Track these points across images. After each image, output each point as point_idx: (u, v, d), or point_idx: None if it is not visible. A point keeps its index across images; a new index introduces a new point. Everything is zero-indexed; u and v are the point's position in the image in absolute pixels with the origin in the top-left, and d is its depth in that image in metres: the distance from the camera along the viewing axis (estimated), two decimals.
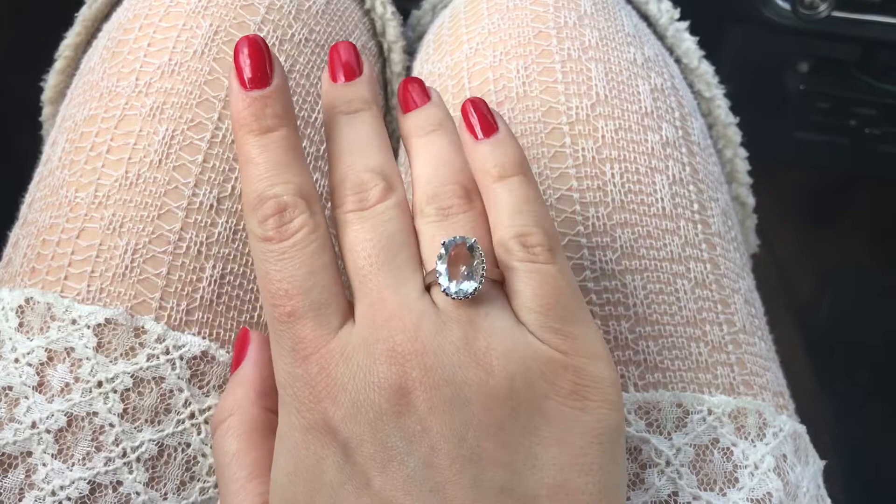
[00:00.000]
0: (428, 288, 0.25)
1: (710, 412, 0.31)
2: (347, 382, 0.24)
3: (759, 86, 0.70)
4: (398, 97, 0.29)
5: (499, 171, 0.27)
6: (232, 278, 0.33)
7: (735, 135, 0.42)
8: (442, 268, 0.25)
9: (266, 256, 0.25)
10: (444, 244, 0.25)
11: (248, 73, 0.26)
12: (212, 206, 0.33)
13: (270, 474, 0.26)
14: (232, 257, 0.33)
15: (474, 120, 0.28)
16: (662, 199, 0.35)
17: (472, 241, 0.25)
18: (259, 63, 0.27)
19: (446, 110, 0.29)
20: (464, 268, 0.25)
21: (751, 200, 0.43)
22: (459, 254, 0.25)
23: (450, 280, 0.24)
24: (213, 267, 0.32)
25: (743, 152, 0.42)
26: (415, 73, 0.42)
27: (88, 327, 0.30)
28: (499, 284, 0.26)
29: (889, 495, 0.75)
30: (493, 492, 0.23)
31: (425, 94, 0.29)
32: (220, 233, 0.33)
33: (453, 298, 0.24)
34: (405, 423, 0.23)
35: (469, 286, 0.24)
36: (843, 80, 0.69)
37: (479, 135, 0.27)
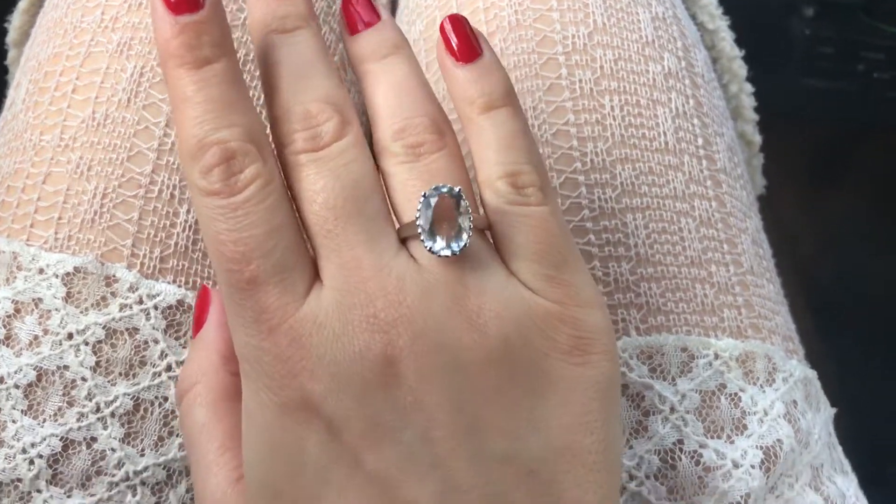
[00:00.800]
0: (403, 241, 0.23)
1: (716, 356, 0.30)
2: (325, 354, 0.22)
3: (763, 32, 0.68)
4: (342, 14, 0.26)
5: (485, 101, 0.24)
6: None
7: (740, 69, 0.40)
8: (424, 224, 0.22)
9: (213, 214, 0.22)
10: (424, 196, 0.22)
11: None
12: None
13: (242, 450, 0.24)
14: None
15: (455, 41, 0.25)
16: (665, 134, 0.33)
17: (457, 190, 0.22)
18: None
19: (400, 32, 0.26)
20: (448, 223, 0.22)
21: (757, 138, 0.41)
22: (443, 207, 0.22)
23: (433, 238, 0.22)
24: (188, 211, 0.31)
25: (749, 87, 0.40)
26: (401, 6, 0.40)
27: (56, 277, 0.29)
28: (483, 232, 0.24)
29: (892, 449, 0.74)
30: (496, 461, 0.22)
31: (374, 11, 0.26)
32: None
33: (439, 256, 0.22)
34: (395, 396, 0.22)
35: (457, 244, 0.22)
36: (850, 25, 0.68)
37: (461, 58, 0.25)
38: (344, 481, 0.22)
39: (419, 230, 0.22)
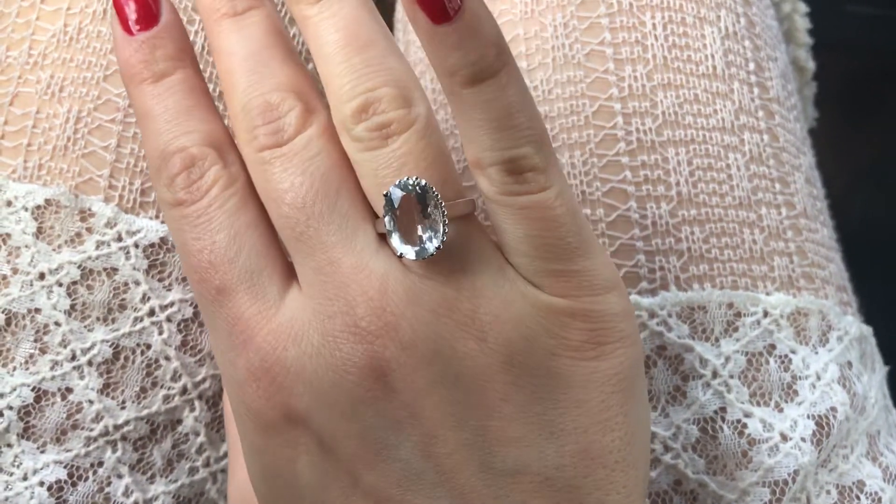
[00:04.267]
0: (383, 236, 0.21)
1: (765, 314, 0.28)
2: (304, 370, 0.21)
3: None
4: None
5: (470, 72, 0.20)
6: None
7: None
8: (391, 225, 0.20)
9: (181, 225, 0.22)
10: (386, 196, 0.20)
11: (132, 16, 0.23)
12: None
13: None
14: None
15: None
16: (713, 56, 0.30)
17: (423, 183, 0.20)
18: (143, 2, 0.23)
19: None
20: (419, 221, 0.20)
21: (810, 65, 0.38)
22: (410, 206, 0.20)
23: (404, 241, 0.20)
24: None
25: (803, 7, 0.36)
26: None
27: (26, 210, 0.27)
28: (471, 218, 0.21)
29: None
30: (506, 473, 0.21)
31: None
32: None
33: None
34: (387, 410, 0.20)
35: (430, 245, 0.20)
36: None
37: (435, 18, 0.20)
38: (342, 501, 0.21)
39: (387, 233, 0.21)
